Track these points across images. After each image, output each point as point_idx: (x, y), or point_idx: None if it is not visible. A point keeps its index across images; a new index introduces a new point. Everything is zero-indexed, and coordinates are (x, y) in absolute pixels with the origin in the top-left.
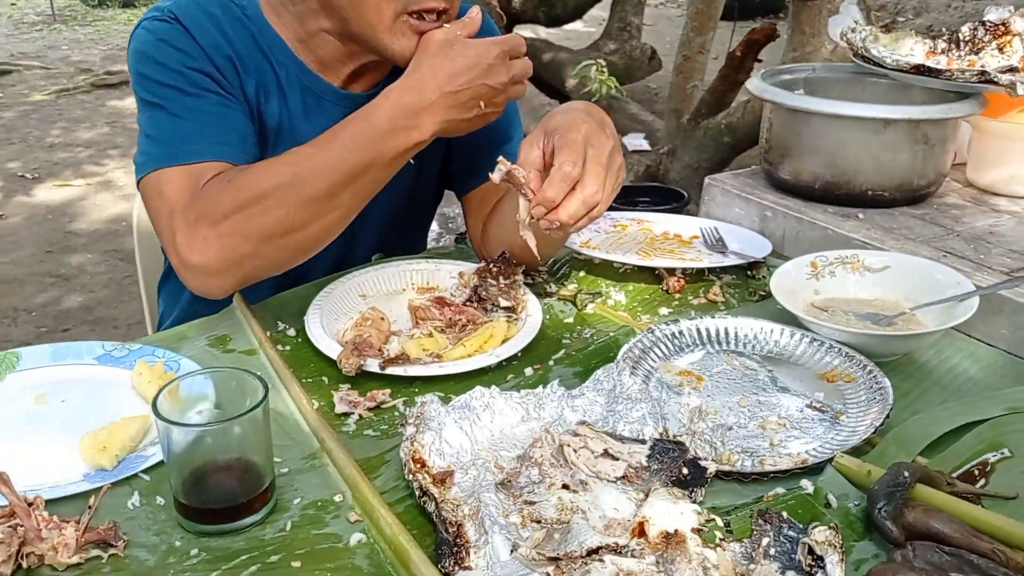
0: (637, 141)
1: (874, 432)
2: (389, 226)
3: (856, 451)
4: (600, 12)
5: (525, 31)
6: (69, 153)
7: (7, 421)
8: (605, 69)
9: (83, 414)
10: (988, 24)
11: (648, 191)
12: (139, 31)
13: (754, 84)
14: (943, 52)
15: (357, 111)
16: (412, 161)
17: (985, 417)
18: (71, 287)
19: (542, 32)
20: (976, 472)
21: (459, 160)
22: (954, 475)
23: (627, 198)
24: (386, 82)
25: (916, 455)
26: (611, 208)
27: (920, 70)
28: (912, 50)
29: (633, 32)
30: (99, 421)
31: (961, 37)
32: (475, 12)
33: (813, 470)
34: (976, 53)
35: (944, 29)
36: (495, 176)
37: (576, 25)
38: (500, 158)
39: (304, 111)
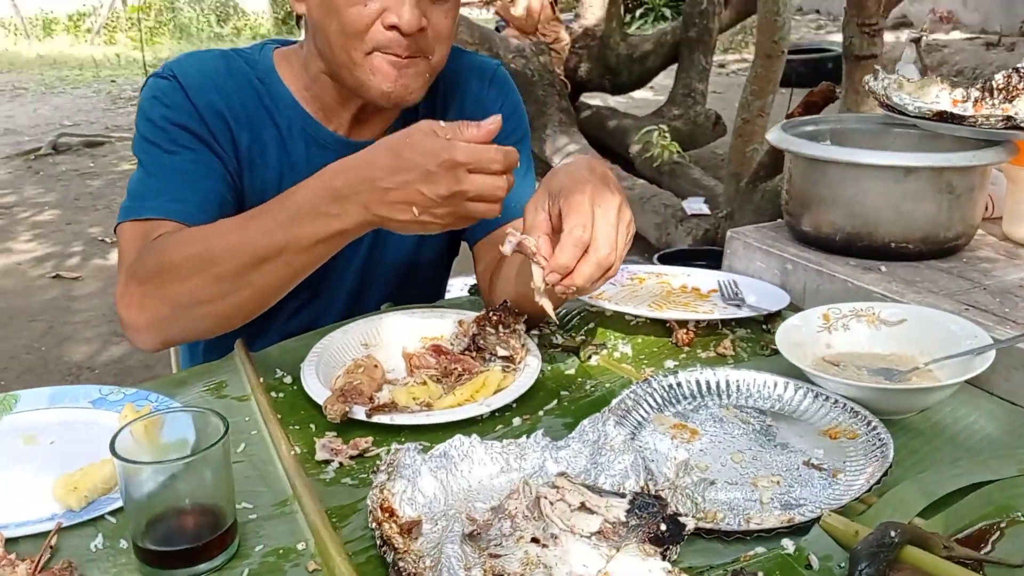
0: (697, 205)
1: (870, 491)
2: (399, 278)
3: (850, 511)
4: (666, 80)
5: (592, 99)
6: None
7: None
8: (668, 134)
9: (68, 456)
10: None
11: (705, 254)
12: (144, 89)
13: (774, 134)
14: (975, 100)
15: (292, 188)
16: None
17: (996, 477)
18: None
19: (610, 100)
20: (981, 536)
21: None
22: (955, 538)
23: (685, 261)
24: (392, 130)
25: (914, 516)
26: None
27: (944, 117)
28: (937, 97)
29: (697, 98)
30: (81, 463)
31: (995, 85)
32: (493, 122)
33: (799, 530)
34: (1010, 101)
35: (979, 79)
36: (506, 248)
37: (645, 93)
38: (509, 229)
39: (307, 161)
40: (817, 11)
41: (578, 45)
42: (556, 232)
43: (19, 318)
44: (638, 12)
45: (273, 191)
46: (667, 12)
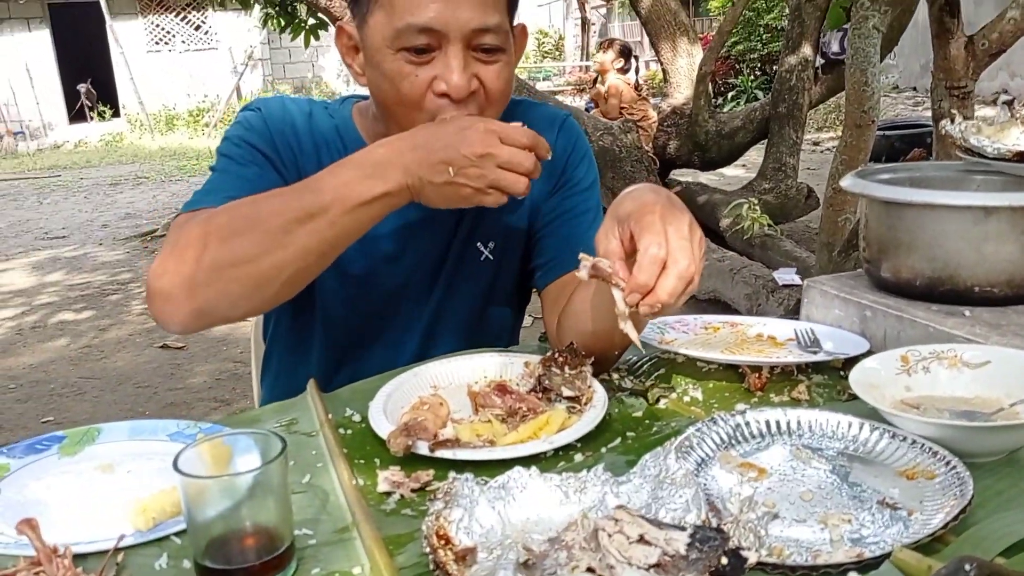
0: (788, 276)
1: (946, 528)
2: (470, 325)
3: (925, 550)
4: (756, 156)
5: (682, 175)
6: None
7: (71, 485)
8: (758, 207)
9: (141, 483)
10: None
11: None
12: (237, 116)
13: (848, 180)
14: None
15: (335, 164)
16: (491, 257)
17: None
18: (231, 410)
19: (700, 176)
20: None
21: (539, 255)
22: None
23: None
24: None
25: (995, 556)
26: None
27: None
28: (1019, 140)
29: (788, 172)
30: (152, 490)
31: None
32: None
33: (869, 566)
34: None
35: None
36: (582, 273)
37: (735, 170)
38: (582, 255)
39: None
40: (914, 88)
41: (667, 123)
42: (630, 256)
43: (126, 384)
44: (729, 95)
45: None
46: (759, 93)
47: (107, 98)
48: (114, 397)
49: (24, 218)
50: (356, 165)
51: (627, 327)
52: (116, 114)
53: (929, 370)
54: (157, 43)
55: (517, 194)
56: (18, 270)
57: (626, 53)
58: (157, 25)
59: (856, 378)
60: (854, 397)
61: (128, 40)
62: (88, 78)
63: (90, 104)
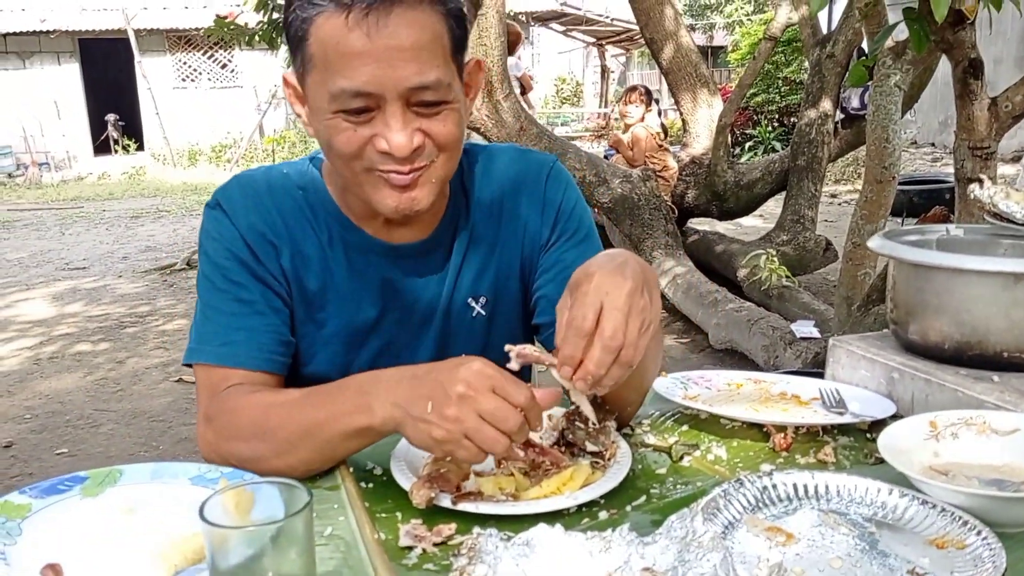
0: (806, 328)
1: None
2: None
3: None
4: (775, 207)
5: (700, 224)
6: None
7: (92, 528)
8: (776, 258)
9: (163, 528)
10: None
11: (812, 376)
12: (203, 217)
13: (876, 242)
14: None
15: (349, 378)
16: (483, 312)
17: None
18: None
19: (718, 226)
20: None
21: (542, 313)
22: None
23: None
24: (435, 233)
25: None
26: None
27: None
28: None
29: (807, 224)
30: (174, 535)
31: None
32: (549, 396)
33: None
34: None
35: None
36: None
37: (753, 220)
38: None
39: (348, 267)
40: (932, 144)
41: (685, 172)
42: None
43: (141, 418)
44: (747, 145)
45: (318, 301)
46: (777, 145)
47: (132, 132)
48: (128, 431)
49: (46, 248)
50: (355, 385)
51: (579, 400)
52: (140, 148)
53: (958, 436)
54: (184, 80)
55: (492, 453)
56: (38, 300)
57: (649, 97)
58: (184, 63)
59: (885, 443)
60: (881, 461)
61: (156, 76)
62: (115, 112)
63: (115, 137)
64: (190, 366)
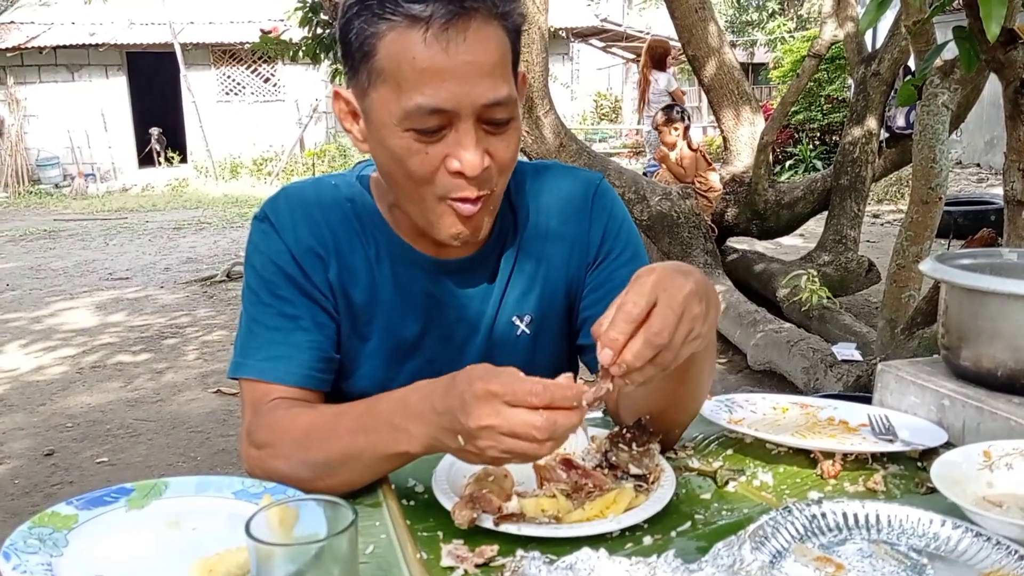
0: (848, 351)
1: None
2: None
3: None
4: (816, 227)
5: (739, 243)
6: None
7: (138, 540)
8: (817, 279)
9: (207, 541)
10: None
11: (855, 400)
12: (250, 231)
13: (928, 265)
14: None
15: (387, 394)
16: (528, 331)
17: None
18: None
19: (757, 245)
20: None
21: (587, 335)
22: None
23: None
24: (483, 250)
25: None
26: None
27: None
28: None
29: (849, 244)
30: (218, 549)
31: None
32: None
33: None
34: None
35: None
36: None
37: (793, 240)
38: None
39: (394, 282)
40: (978, 165)
41: (726, 190)
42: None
43: (180, 428)
44: (788, 163)
45: (363, 315)
46: (818, 163)
47: (176, 145)
48: (167, 440)
49: (90, 258)
50: (389, 409)
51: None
52: (184, 160)
53: (1012, 467)
54: (227, 93)
55: (538, 458)
56: (82, 309)
57: (683, 114)
58: (228, 76)
59: (938, 472)
60: (932, 490)
61: (200, 90)
62: (159, 125)
63: (159, 149)
64: (235, 379)
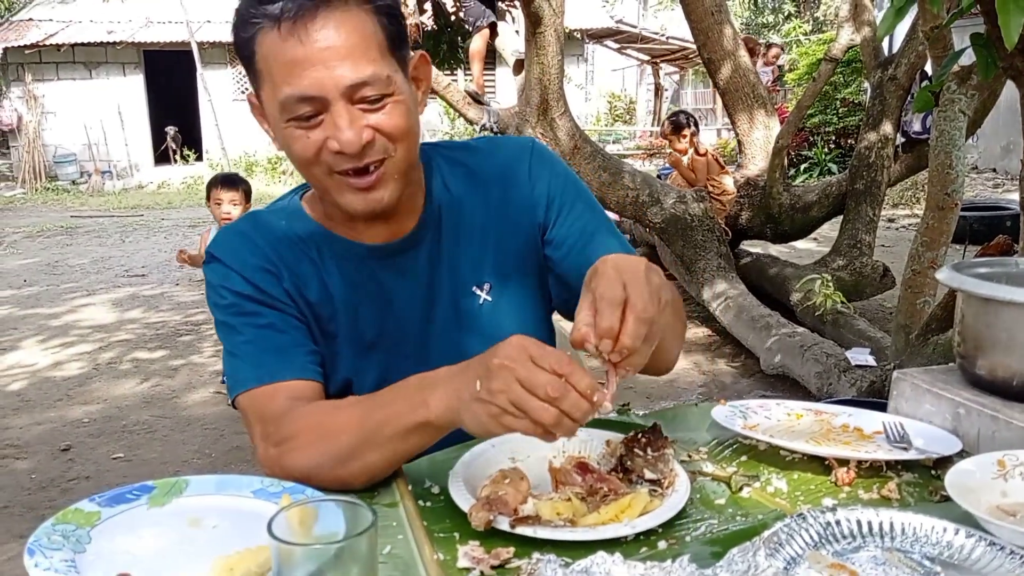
0: (862, 356)
1: None
2: None
3: None
4: (831, 231)
5: (753, 247)
6: None
7: (159, 538)
8: (831, 283)
9: (227, 539)
10: None
11: (869, 406)
12: (205, 277)
13: (944, 274)
14: None
15: (404, 380)
16: (489, 299)
17: None
18: None
19: (771, 248)
20: None
21: (568, 289)
22: None
23: None
24: (416, 228)
25: None
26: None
27: None
28: None
29: (864, 249)
30: (238, 547)
31: None
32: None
33: None
34: None
35: None
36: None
37: (808, 243)
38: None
39: (341, 276)
40: (993, 170)
41: (740, 194)
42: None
43: (195, 425)
44: (803, 167)
45: (324, 313)
46: (833, 167)
47: (191, 142)
48: (182, 437)
49: (107, 255)
50: (411, 389)
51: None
52: (199, 158)
53: None
54: (243, 92)
55: (544, 423)
56: (99, 305)
57: (690, 120)
58: (244, 75)
59: (952, 481)
60: (946, 498)
61: (216, 88)
62: (175, 122)
63: (175, 148)
64: (235, 404)
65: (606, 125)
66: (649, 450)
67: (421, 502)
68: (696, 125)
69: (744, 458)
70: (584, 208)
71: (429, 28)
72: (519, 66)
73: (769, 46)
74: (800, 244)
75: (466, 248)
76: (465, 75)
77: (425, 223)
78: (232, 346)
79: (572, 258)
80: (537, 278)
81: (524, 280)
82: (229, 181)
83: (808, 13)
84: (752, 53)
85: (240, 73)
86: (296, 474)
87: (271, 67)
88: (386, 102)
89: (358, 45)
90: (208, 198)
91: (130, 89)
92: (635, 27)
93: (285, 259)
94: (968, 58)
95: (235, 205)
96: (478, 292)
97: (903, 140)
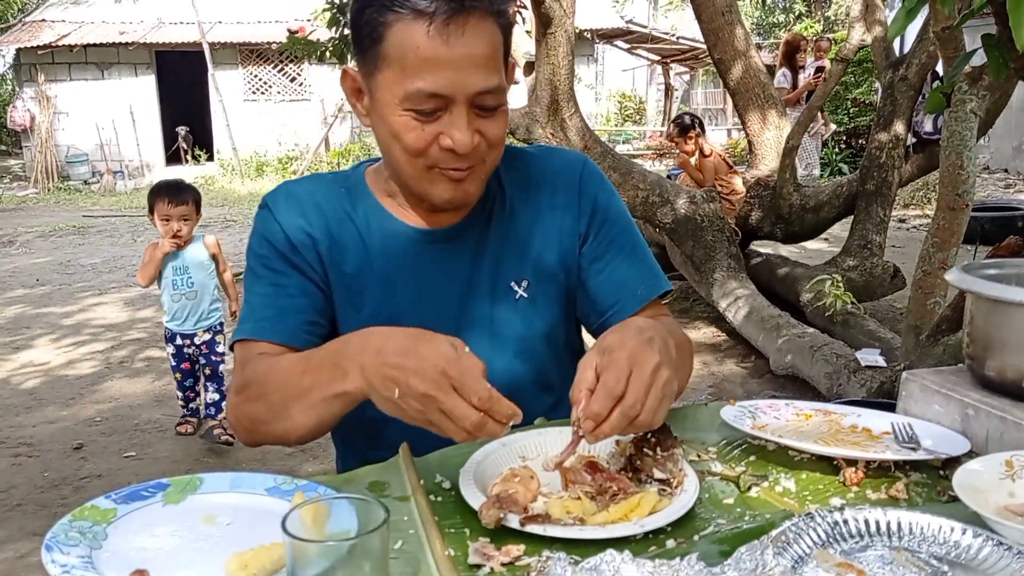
0: (872, 357)
1: None
2: (513, 370)
3: None
4: (841, 231)
5: (763, 247)
6: None
7: (174, 535)
8: (841, 284)
9: (241, 536)
10: None
11: (878, 407)
12: (254, 217)
13: (953, 275)
14: None
15: (352, 333)
16: (526, 296)
17: None
18: (306, 456)
19: (781, 249)
20: None
21: (594, 302)
22: None
23: None
24: (467, 218)
25: None
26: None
27: None
28: None
29: (874, 250)
30: (252, 544)
31: None
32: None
33: None
34: None
35: None
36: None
37: (818, 244)
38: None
39: (383, 252)
40: (1005, 170)
41: (750, 194)
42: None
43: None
44: None
45: (355, 285)
46: (844, 167)
47: (202, 143)
48: (194, 436)
49: (119, 254)
50: (334, 351)
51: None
52: (210, 158)
53: None
54: (254, 92)
55: (455, 439)
56: (111, 305)
57: (694, 121)
58: (255, 76)
59: (960, 480)
60: (954, 499)
61: (227, 88)
62: (187, 123)
63: (186, 148)
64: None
65: (616, 125)
66: (658, 450)
67: (432, 497)
68: (701, 126)
69: (753, 458)
70: (626, 228)
71: None
72: (530, 67)
73: (819, 39)
74: (810, 244)
75: (512, 244)
76: None
77: (477, 215)
78: (250, 294)
79: (603, 280)
80: (568, 283)
81: (559, 282)
82: (175, 191)
83: (819, 12)
84: (799, 49)
85: (252, 74)
86: (246, 422)
87: (405, 57)
88: (499, 111)
89: (491, 56)
90: (151, 211)
91: (142, 89)
92: (645, 27)
93: (331, 227)
94: (980, 59)
95: (185, 221)
96: (516, 288)
97: (914, 140)
